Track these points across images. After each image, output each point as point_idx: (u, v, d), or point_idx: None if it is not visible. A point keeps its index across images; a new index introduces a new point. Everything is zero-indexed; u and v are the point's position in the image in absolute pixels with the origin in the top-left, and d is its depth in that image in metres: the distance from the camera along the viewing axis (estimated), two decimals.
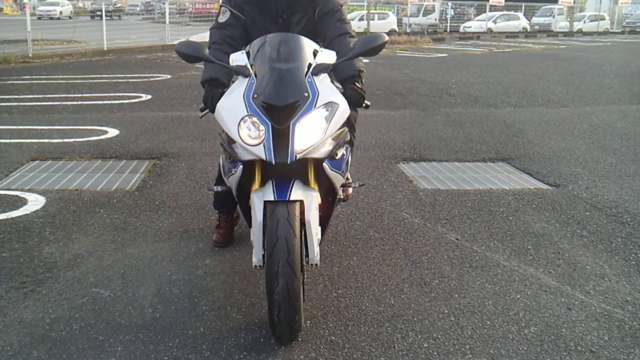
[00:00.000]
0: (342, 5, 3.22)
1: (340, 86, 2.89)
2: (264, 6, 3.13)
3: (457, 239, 3.79)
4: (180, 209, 4.25)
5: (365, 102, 2.95)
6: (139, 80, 11.17)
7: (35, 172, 5.08)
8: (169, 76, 11.80)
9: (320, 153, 2.52)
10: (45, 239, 3.68)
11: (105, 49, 16.79)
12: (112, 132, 6.60)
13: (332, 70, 2.87)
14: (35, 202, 4.31)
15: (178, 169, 5.23)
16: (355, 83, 2.93)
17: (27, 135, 6.44)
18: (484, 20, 31.21)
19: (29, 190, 4.56)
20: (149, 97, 9.17)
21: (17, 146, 5.94)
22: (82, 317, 2.78)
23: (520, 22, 32.50)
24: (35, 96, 9.14)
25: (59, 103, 8.49)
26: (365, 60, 3.08)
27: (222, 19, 3.15)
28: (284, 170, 2.49)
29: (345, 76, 2.95)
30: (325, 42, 3.04)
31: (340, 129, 2.63)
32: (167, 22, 20.06)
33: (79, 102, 8.57)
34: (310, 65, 2.62)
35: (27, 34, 15.13)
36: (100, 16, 19.82)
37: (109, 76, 11.69)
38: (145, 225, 3.93)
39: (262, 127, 2.44)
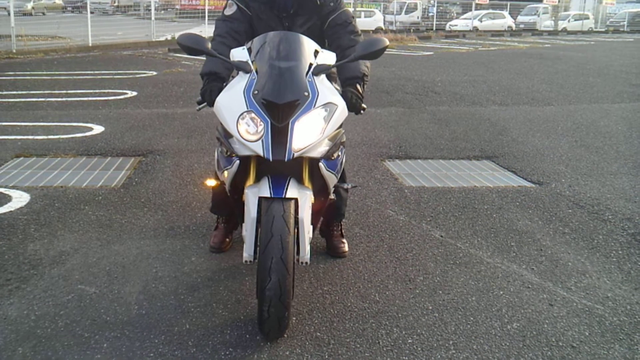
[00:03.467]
0: (353, 17, 3.24)
1: (339, 88, 2.90)
2: (271, 4, 3.11)
3: (441, 236, 3.82)
4: (165, 206, 4.25)
5: (362, 105, 2.97)
6: (125, 76, 11.11)
7: (19, 168, 5.05)
8: (154, 73, 11.74)
9: (317, 153, 2.54)
10: (29, 236, 3.66)
11: (90, 45, 16.68)
12: (98, 129, 6.57)
13: (337, 69, 2.89)
14: (19, 199, 4.28)
15: (164, 166, 5.22)
16: (357, 85, 2.95)
17: (11, 131, 6.39)
18: (470, 18, 31.39)
19: (13, 187, 4.54)
20: (134, 93, 9.13)
21: (0, 143, 5.88)
22: (67, 314, 2.78)
23: (506, 20, 32.72)
24: (19, 92, 9.07)
25: (43, 99, 8.43)
26: None
27: (229, 11, 3.15)
28: (280, 167, 2.51)
29: (348, 76, 2.97)
30: (337, 52, 3.00)
31: (337, 129, 2.66)
32: (153, 18, 19.95)
33: (64, 99, 8.51)
34: (311, 65, 2.63)
35: (10, 30, 14.98)
36: None
37: (94, 72, 11.61)
38: (130, 223, 3.93)
39: (261, 124, 2.46)
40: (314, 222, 2.71)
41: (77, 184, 4.66)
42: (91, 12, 28.23)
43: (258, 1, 3.12)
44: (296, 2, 3.10)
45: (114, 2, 28.52)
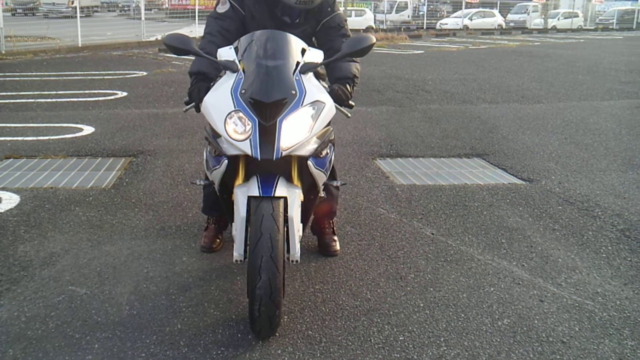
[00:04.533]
0: (346, 21, 3.26)
1: (326, 85, 2.91)
2: (273, 5, 3.09)
3: (432, 234, 3.83)
4: (156, 206, 4.24)
5: (350, 102, 2.98)
6: (115, 77, 11.07)
7: (9, 170, 5.02)
8: (144, 73, 11.71)
9: (305, 151, 2.55)
10: (20, 238, 3.65)
11: (79, 45, 16.60)
12: (88, 130, 6.54)
13: (327, 70, 2.90)
14: (9, 201, 4.26)
15: (154, 167, 5.21)
16: (346, 85, 2.97)
17: (0, 133, 6.35)
18: (460, 17, 31.44)
19: (3, 189, 4.51)
20: (124, 94, 9.10)
21: None
22: (58, 315, 2.77)
23: (496, 19, 32.80)
24: (9, 94, 9.02)
25: (33, 100, 8.39)
26: None
27: (222, 9, 3.12)
28: (269, 166, 2.51)
29: (339, 76, 2.99)
30: (327, 54, 2.99)
31: (325, 127, 2.66)
32: (143, 18, 19.87)
33: (54, 100, 8.48)
34: (298, 63, 2.63)
35: None
36: None
37: (84, 73, 11.55)
38: (121, 223, 3.92)
39: (248, 123, 2.46)
40: (303, 220, 2.72)
41: (67, 185, 4.65)
42: (44, 15, 26.85)
43: (260, 2, 3.09)
44: (302, 13, 3.10)
45: (72, 3, 26.33)
